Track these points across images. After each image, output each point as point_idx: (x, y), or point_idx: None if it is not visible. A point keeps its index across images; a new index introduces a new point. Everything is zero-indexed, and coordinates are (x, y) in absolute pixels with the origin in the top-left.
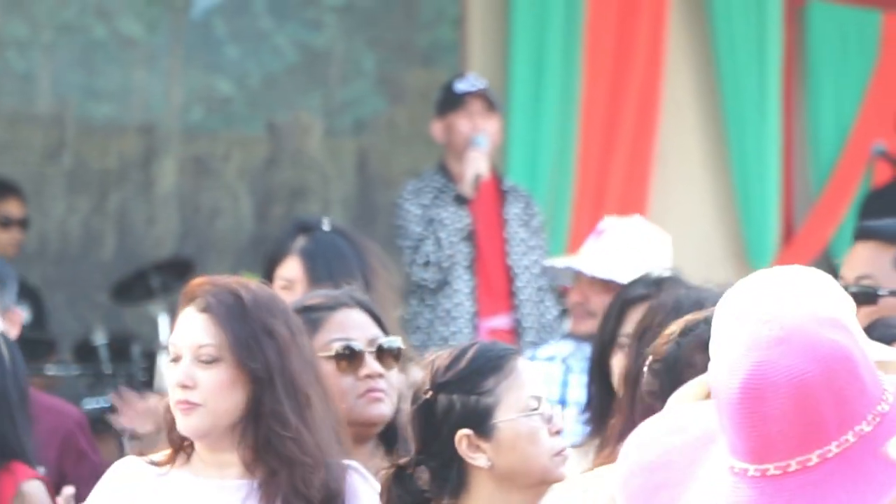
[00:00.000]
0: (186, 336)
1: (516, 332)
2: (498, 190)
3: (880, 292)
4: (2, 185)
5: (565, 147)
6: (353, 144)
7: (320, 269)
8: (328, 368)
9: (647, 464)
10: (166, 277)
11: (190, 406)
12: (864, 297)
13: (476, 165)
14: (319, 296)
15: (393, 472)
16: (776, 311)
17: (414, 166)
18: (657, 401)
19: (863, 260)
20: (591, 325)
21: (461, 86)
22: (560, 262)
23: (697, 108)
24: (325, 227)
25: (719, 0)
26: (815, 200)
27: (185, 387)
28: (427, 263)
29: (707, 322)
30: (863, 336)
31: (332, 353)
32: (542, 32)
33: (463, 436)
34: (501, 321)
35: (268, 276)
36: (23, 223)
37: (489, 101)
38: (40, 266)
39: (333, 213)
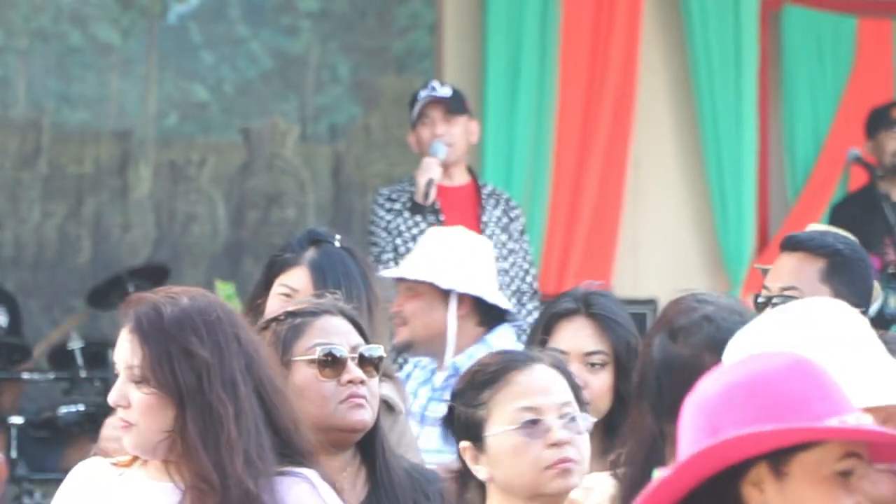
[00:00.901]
0: (120, 355)
1: None
2: (477, 194)
3: None
4: None
5: (540, 153)
6: (328, 150)
7: (328, 284)
8: (309, 373)
9: None
10: (142, 283)
11: (126, 425)
12: None
13: (428, 172)
14: (303, 302)
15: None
16: None
17: (389, 172)
18: (661, 402)
19: (788, 271)
20: (405, 333)
21: (422, 94)
22: (386, 272)
23: (672, 113)
24: (337, 243)
25: (694, 5)
26: (791, 206)
27: (119, 406)
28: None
29: (708, 320)
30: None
31: (315, 357)
32: (517, 39)
33: (464, 448)
34: None
35: (268, 280)
36: None
37: (449, 107)
38: (16, 271)
39: (308, 219)
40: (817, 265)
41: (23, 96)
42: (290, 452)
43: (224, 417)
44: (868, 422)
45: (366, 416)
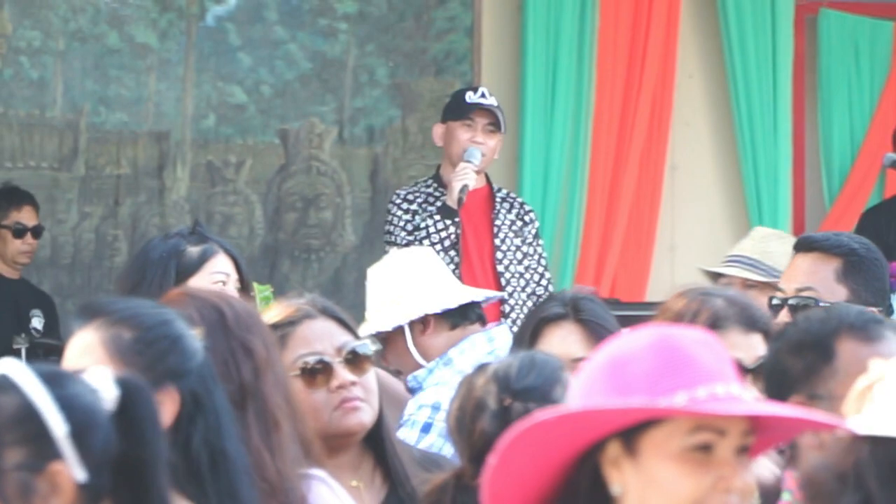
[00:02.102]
0: None
1: None
2: (490, 198)
3: (821, 304)
4: (16, 194)
5: (577, 157)
6: (365, 152)
7: (243, 266)
8: (297, 386)
9: None
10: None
11: None
12: (805, 310)
13: (464, 178)
14: (282, 310)
15: (454, 482)
16: None
17: (426, 174)
18: None
19: (804, 272)
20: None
21: (472, 97)
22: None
23: (709, 117)
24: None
25: (730, 10)
26: (827, 211)
27: None
28: None
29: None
30: None
31: (298, 370)
32: (555, 42)
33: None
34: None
35: (178, 278)
36: (36, 231)
37: (496, 119)
38: (53, 273)
39: (345, 221)
40: (832, 265)
41: (60, 97)
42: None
43: (280, 417)
44: (731, 392)
45: (363, 417)
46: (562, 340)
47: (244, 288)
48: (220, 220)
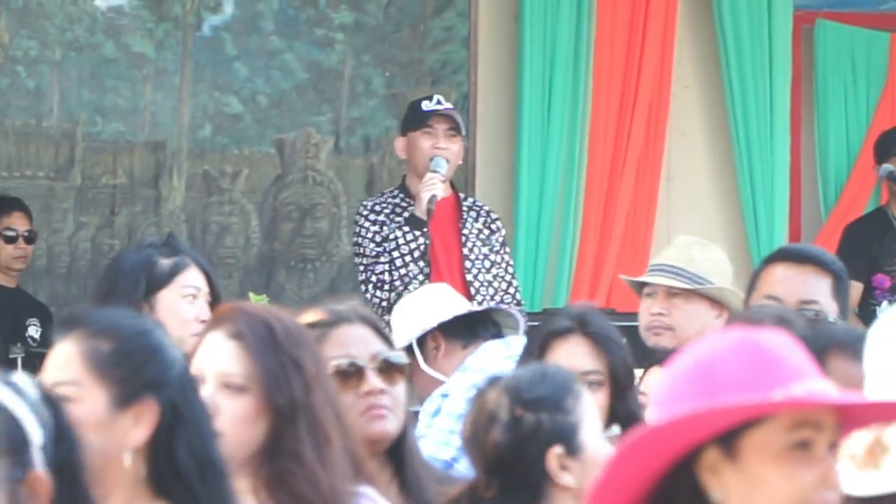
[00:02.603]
0: (213, 361)
1: None
2: (457, 207)
3: (830, 319)
4: (5, 201)
5: (573, 166)
6: (362, 162)
7: (215, 280)
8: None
9: None
10: None
11: None
12: (815, 323)
13: (431, 189)
14: (321, 312)
15: (468, 495)
16: None
17: None
18: None
19: (803, 283)
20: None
21: (429, 105)
22: None
23: (706, 127)
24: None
25: (727, 20)
26: (823, 221)
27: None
28: (380, 284)
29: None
30: None
31: (332, 370)
32: (552, 53)
33: (555, 454)
34: None
35: (147, 294)
36: (28, 237)
37: (455, 124)
38: (49, 282)
39: (342, 231)
40: (828, 280)
41: (57, 107)
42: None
43: (331, 432)
44: (823, 387)
45: (388, 426)
46: (569, 354)
47: (215, 302)
48: (216, 229)
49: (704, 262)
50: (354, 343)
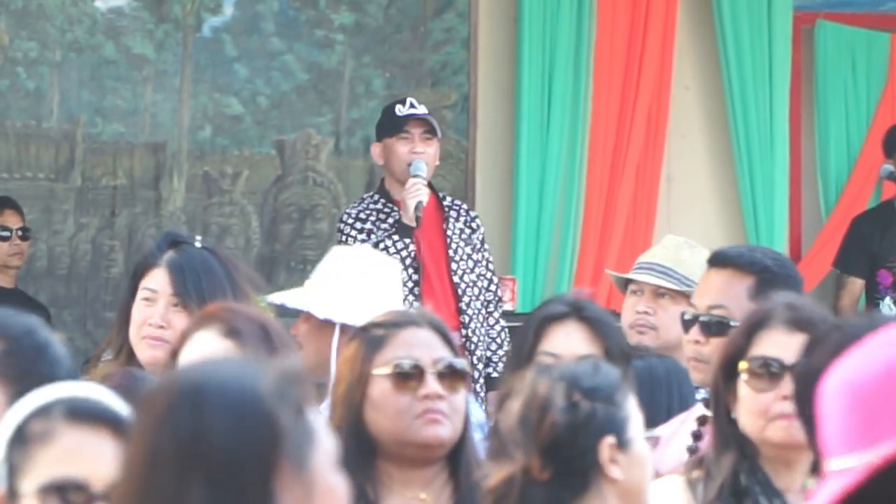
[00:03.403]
0: (202, 357)
1: (465, 348)
2: (439, 207)
3: (732, 323)
4: None
5: (573, 168)
6: (362, 163)
7: (187, 283)
8: (386, 387)
9: None
10: None
11: None
12: (717, 327)
13: (417, 195)
14: (389, 313)
15: (522, 476)
16: None
17: None
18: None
19: (717, 288)
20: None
21: (402, 109)
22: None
23: (705, 129)
24: (198, 244)
25: (727, 21)
26: (823, 222)
27: None
28: None
29: (839, 329)
30: None
31: (391, 370)
32: (551, 54)
33: (608, 443)
34: None
35: (133, 288)
36: (23, 234)
37: (430, 126)
38: (49, 283)
39: None
40: (746, 282)
41: (57, 108)
42: None
43: None
44: None
45: (442, 432)
46: (566, 338)
47: (185, 307)
48: (217, 230)
49: (693, 265)
50: (419, 346)
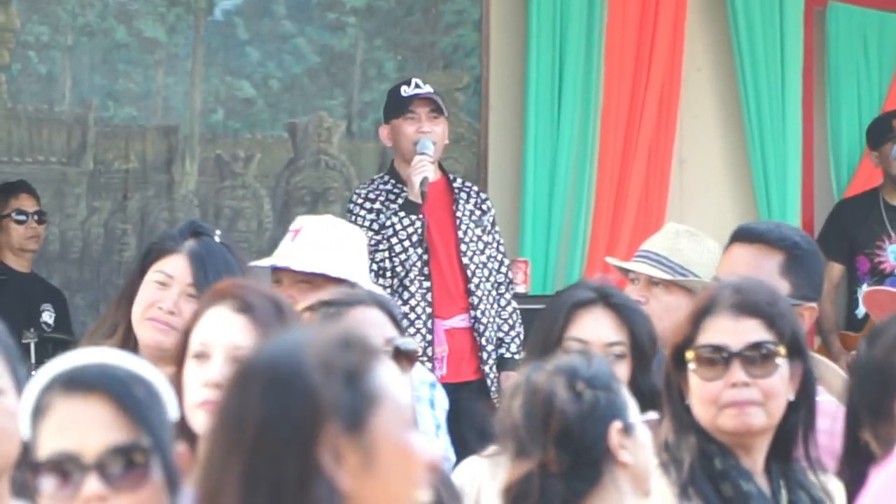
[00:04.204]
0: (221, 335)
1: (475, 330)
2: (449, 189)
3: None
4: (10, 184)
5: (585, 151)
6: (374, 146)
7: (208, 275)
8: None
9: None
10: None
11: None
12: None
13: (422, 171)
14: (339, 292)
15: (539, 471)
16: None
17: None
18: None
19: (746, 264)
20: None
21: (407, 90)
22: (263, 262)
23: (717, 110)
24: (217, 238)
25: (739, 2)
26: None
27: (218, 386)
28: (382, 272)
29: None
30: None
31: None
32: (563, 36)
33: (616, 428)
34: (460, 321)
35: (143, 268)
36: (39, 218)
37: (435, 105)
38: (62, 267)
39: None
40: (777, 258)
41: (69, 92)
42: None
43: None
44: None
45: None
46: (594, 324)
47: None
48: (229, 214)
49: (691, 253)
50: (369, 325)
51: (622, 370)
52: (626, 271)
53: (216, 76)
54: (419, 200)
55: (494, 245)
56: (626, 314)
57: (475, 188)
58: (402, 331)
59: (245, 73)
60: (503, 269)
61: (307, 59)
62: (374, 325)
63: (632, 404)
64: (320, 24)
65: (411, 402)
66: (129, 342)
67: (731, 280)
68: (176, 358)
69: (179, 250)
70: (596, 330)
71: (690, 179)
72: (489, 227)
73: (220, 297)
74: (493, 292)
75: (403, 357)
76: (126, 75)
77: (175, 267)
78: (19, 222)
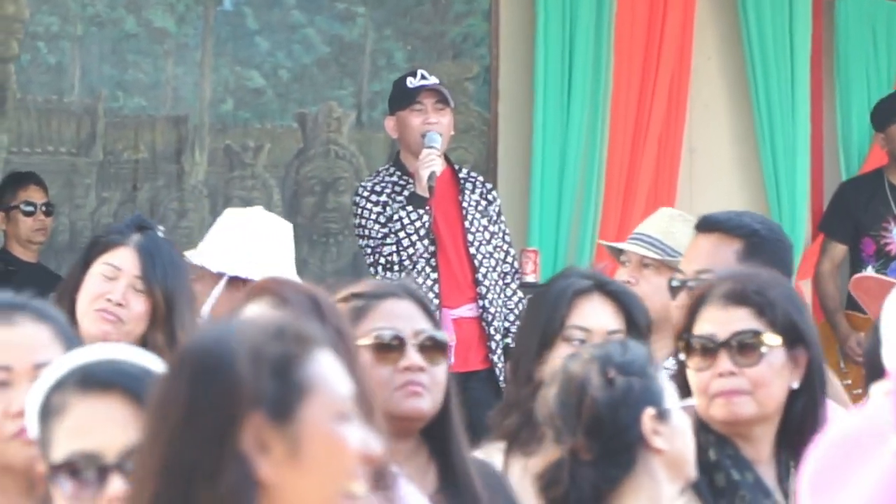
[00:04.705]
0: None
1: (483, 319)
2: (455, 180)
3: None
4: (19, 175)
5: (594, 140)
6: (383, 136)
7: (156, 269)
8: (367, 358)
9: (831, 444)
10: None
11: None
12: None
13: (430, 165)
14: (370, 284)
15: (570, 458)
16: None
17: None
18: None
19: (705, 253)
20: None
21: (413, 81)
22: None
23: (727, 99)
24: (160, 233)
25: None
26: None
27: None
28: (390, 265)
29: None
30: None
31: (372, 341)
32: (572, 25)
33: (649, 415)
34: (468, 310)
35: (87, 260)
36: (47, 210)
37: (441, 96)
38: (71, 257)
39: None
40: (734, 246)
41: (78, 83)
42: None
43: (374, 405)
44: None
45: (422, 404)
46: (595, 312)
47: (145, 291)
48: (239, 204)
49: (684, 237)
50: (399, 317)
51: None
52: (617, 253)
53: (226, 66)
54: (426, 194)
55: (500, 235)
56: (624, 301)
57: (480, 178)
58: (435, 323)
59: (254, 63)
60: (509, 259)
61: (317, 48)
62: (402, 318)
63: (669, 390)
64: (330, 14)
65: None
66: None
67: (727, 271)
68: None
69: (126, 243)
70: (597, 318)
71: (700, 168)
72: (495, 217)
73: (259, 293)
74: (500, 282)
75: (436, 349)
76: (135, 65)
77: (123, 259)
78: (27, 214)
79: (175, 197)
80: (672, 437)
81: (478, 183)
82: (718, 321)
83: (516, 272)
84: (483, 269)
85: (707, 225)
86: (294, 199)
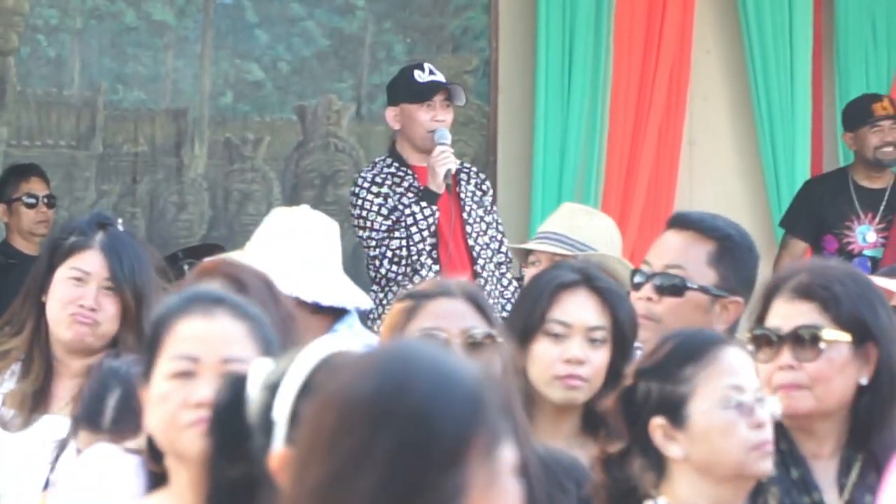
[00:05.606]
0: None
1: None
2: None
3: (689, 285)
4: (22, 167)
5: (594, 132)
6: (383, 129)
7: (123, 267)
8: None
9: None
10: (196, 262)
11: None
12: (672, 288)
13: (447, 162)
14: (426, 283)
15: (605, 459)
16: None
17: None
18: None
19: (675, 249)
20: None
21: (423, 76)
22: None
23: (727, 92)
24: (120, 227)
25: None
26: None
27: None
28: (397, 259)
29: None
30: None
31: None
32: (572, 18)
33: (657, 425)
34: None
35: (51, 265)
36: (49, 202)
37: (449, 95)
38: None
39: None
40: (706, 247)
41: (78, 76)
42: None
43: None
44: None
45: None
46: (579, 307)
47: (116, 291)
48: (238, 197)
49: (589, 230)
50: (447, 316)
51: (602, 355)
52: (525, 256)
53: (225, 59)
54: (440, 191)
55: (494, 225)
56: (610, 298)
57: (474, 169)
58: (490, 321)
59: (254, 56)
60: (503, 249)
61: (316, 41)
62: (450, 317)
63: (707, 391)
64: (329, 7)
65: None
66: (39, 338)
67: (801, 262)
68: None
69: (91, 245)
70: (579, 313)
71: (700, 161)
72: (489, 208)
73: (209, 274)
74: (496, 272)
75: (480, 348)
76: (135, 58)
77: (90, 263)
78: (29, 206)
79: (175, 190)
80: (693, 443)
81: (472, 173)
82: (784, 315)
83: (510, 261)
84: (481, 260)
85: (681, 222)
86: (293, 191)
